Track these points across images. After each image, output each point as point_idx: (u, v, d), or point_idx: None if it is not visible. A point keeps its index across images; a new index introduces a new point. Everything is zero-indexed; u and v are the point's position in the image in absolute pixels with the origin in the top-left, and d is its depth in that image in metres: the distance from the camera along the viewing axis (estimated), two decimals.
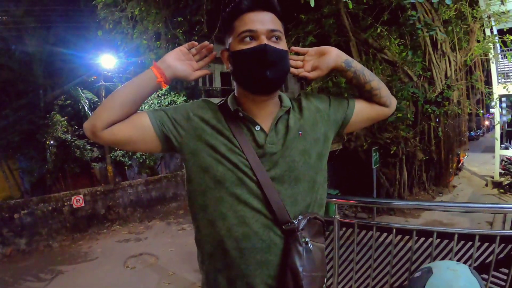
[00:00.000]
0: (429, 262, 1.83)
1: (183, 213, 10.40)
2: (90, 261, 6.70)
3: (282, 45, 1.00)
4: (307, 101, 1.14)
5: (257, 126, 1.03)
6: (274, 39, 0.98)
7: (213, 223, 1.01)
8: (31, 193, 10.14)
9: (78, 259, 6.82)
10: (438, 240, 1.91)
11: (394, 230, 2.01)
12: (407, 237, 2.04)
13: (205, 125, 1.03)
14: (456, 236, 1.84)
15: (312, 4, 4.37)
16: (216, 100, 1.14)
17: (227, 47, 1.04)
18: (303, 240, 0.97)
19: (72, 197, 8.35)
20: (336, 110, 1.16)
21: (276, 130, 1.05)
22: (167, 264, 6.16)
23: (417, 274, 1.30)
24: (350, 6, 5.06)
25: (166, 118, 1.03)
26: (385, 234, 2.12)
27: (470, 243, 1.85)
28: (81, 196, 8.58)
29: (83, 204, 8.55)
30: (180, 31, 7.85)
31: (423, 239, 2.00)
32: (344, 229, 2.26)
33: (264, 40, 0.96)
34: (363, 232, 2.22)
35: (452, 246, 1.86)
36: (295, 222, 0.98)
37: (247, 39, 0.97)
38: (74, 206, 8.36)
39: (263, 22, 0.97)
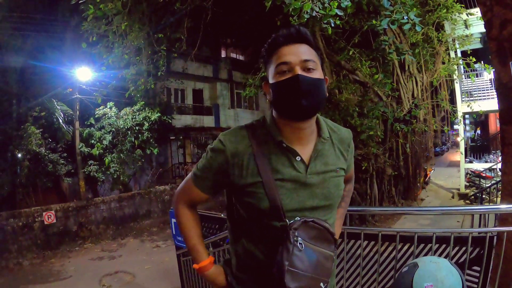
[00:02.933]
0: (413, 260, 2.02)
1: (156, 230, 10.28)
2: (64, 279, 6.53)
3: (317, 74, 1.08)
4: (338, 135, 1.25)
5: (297, 157, 1.11)
6: (308, 69, 1.06)
7: None
8: (0, 208, 9.73)
9: (50, 278, 6.62)
10: (422, 245, 2.10)
11: (380, 234, 2.17)
12: (386, 243, 2.20)
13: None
14: (434, 236, 2.02)
15: None
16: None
17: (268, 79, 1.14)
18: (294, 239, 1.03)
19: (44, 213, 8.13)
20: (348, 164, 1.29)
21: (315, 163, 1.14)
22: (144, 282, 6.09)
23: (404, 269, 1.47)
24: (330, 31, 5.35)
25: None
26: (372, 242, 2.25)
27: (444, 245, 2.07)
28: (53, 212, 8.36)
29: (54, 220, 8.32)
30: (163, 47, 7.95)
31: (408, 244, 2.16)
32: None
33: (298, 71, 1.04)
34: (352, 241, 2.33)
35: (431, 249, 2.04)
36: (287, 221, 1.07)
37: (283, 71, 1.06)
38: (46, 222, 8.12)
39: (297, 54, 1.06)
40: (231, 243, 1.27)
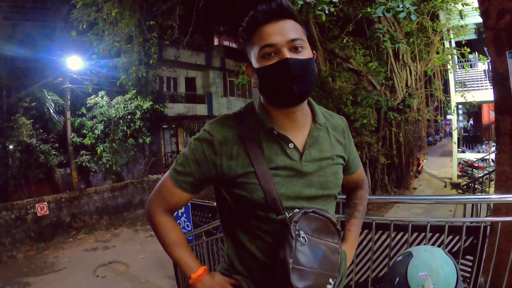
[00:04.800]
0: (407, 249, 2.03)
1: None
2: (58, 271, 6.51)
3: (306, 53, 0.96)
4: (331, 122, 1.16)
5: (290, 144, 1.02)
6: (296, 49, 0.94)
7: None
8: None
9: (45, 270, 6.60)
10: (416, 233, 2.12)
11: (374, 223, 2.14)
12: (380, 231, 2.20)
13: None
14: (428, 225, 2.01)
15: None
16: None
17: (251, 61, 1.02)
18: (296, 233, 0.94)
19: (36, 205, 8.06)
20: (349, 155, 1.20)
21: (310, 150, 1.05)
22: (138, 271, 6.10)
23: (399, 258, 1.43)
24: (324, 19, 5.29)
25: None
26: (366, 231, 2.22)
27: (437, 234, 2.08)
28: (46, 203, 8.29)
29: (47, 212, 8.26)
30: (155, 35, 7.82)
31: (401, 233, 2.18)
32: None
33: (286, 54, 0.92)
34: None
35: (425, 237, 2.03)
36: (287, 214, 0.97)
37: (268, 54, 0.94)
38: (38, 214, 8.06)
39: (282, 33, 0.93)
40: (226, 245, 1.15)
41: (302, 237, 0.95)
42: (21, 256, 7.43)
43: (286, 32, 0.93)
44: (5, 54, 9.37)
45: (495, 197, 2.24)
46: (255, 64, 0.98)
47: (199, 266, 1.09)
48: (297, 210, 0.98)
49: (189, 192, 1.07)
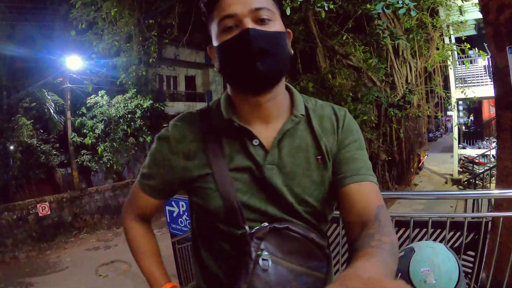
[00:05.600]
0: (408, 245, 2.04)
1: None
2: (60, 271, 6.53)
3: (275, 26, 0.77)
4: (318, 112, 0.89)
5: (255, 140, 0.81)
6: (262, 20, 0.76)
7: None
8: None
9: (47, 270, 6.62)
10: (417, 229, 2.11)
11: None
12: None
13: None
14: (430, 221, 2.03)
15: (288, 12, 4.56)
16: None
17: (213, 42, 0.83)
18: (258, 253, 0.73)
19: (38, 205, 8.07)
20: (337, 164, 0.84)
21: (279, 147, 0.82)
22: (140, 270, 6.11)
23: (401, 254, 1.45)
24: (323, 15, 5.29)
25: None
26: None
27: (439, 230, 2.08)
28: (47, 203, 8.30)
29: (49, 212, 8.27)
30: (155, 33, 7.81)
31: (403, 229, 2.18)
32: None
33: (247, 24, 0.74)
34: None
35: (427, 232, 2.05)
36: (247, 228, 0.76)
37: (229, 27, 0.76)
38: (40, 214, 8.08)
39: (244, 2, 0.75)
40: (193, 265, 0.98)
41: (264, 259, 0.72)
42: (23, 257, 7.45)
43: (249, 0, 0.76)
44: (5, 54, 9.37)
45: (496, 192, 2.25)
46: (215, 42, 0.80)
47: (167, 281, 0.93)
48: (265, 224, 0.77)
49: (153, 197, 0.92)
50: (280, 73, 0.79)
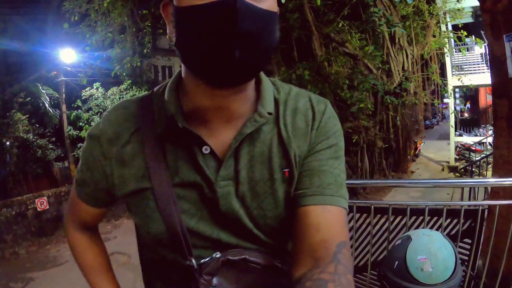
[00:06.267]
0: (405, 232, 2.06)
1: None
2: (60, 265, 6.54)
3: (268, 3, 0.54)
4: (290, 106, 0.68)
5: (205, 147, 0.62)
6: None
7: None
8: None
9: (47, 265, 6.64)
10: (414, 217, 2.12)
11: (372, 207, 2.16)
12: (379, 215, 2.21)
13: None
14: (426, 208, 2.03)
15: (283, 0, 4.51)
16: None
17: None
18: None
19: (36, 200, 8.03)
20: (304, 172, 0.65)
21: (236, 157, 0.63)
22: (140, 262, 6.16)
23: (398, 242, 1.48)
24: (318, 2, 5.24)
25: None
26: (365, 214, 2.25)
27: (436, 217, 2.09)
28: (45, 198, 8.27)
29: (47, 207, 8.25)
30: (148, 23, 7.73)
31: (400, 216, 2.19)
32: None
33: None
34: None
35: (423, 220, 2.06)
36: (194, 262, 0.62)
37: None
38: (38, 209, 8.05)
39: None
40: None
41: None
42: (23, 252, 7.45)
43: None
44: None
45: (492, 180, 2.26)
46: (179, 1, 0.54)
47: None
48: (217, 254, 0.62)
49: (92, 205, 0.75)
50: (262, 65, 0.59)
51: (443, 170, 11.00)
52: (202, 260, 0.62)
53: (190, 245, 0.62)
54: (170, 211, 0.61)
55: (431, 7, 9.08)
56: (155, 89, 0.71)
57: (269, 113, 0.63)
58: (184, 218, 0.62)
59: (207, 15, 0.50)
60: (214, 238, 0.64)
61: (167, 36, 0.66)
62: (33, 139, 9.98)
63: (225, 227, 0.64)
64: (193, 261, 0.61)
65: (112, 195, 0.70)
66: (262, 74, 0.67)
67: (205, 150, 0.62)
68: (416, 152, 12.60)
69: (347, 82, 7.99)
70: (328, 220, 0.58)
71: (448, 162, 11.27)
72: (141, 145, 0.64)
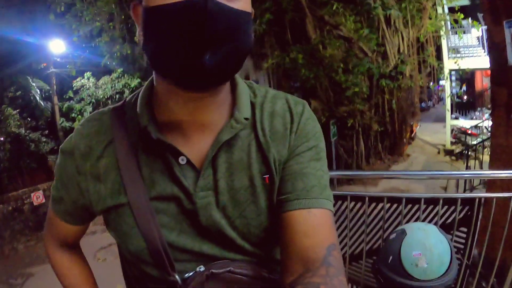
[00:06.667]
0: (400, 224, 2.04)
1: None
2: None
3: (241, 3, 0.51)
4: (267, 109, 0.65)
5: (181, 157, 0.60)
6: None
7: None
8: None
9: (46, 259, 6.60)
10: (409, 206, 2.09)
11: (367, 198, 2.12)
12: (374, 203, 2.17)
13: None
14: (422, 200, 2.00)
15: None
16: None
17: None
18: None
19: (32, 194, 7.99)
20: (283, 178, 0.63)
21: (215, 166, 0.61)
22: None
23: (392, 236, 1.45)
24: None
25: None
26: (359, 203, 2.20)
27: (431, 206, 2.05)
28: (41, 192, 8.22)
29: (43, 200, 8.21)
30: None
31: (395, 204, 2.14)
32: None
33: None
34: (339, 201, 2.25)
35: (419, 209, 2.03)
36: (177, 277, 0.60)
37: None
38: (35, 204, 8.01)
39: None
40: None
41: None
42: (21, 247, 7.45)
43: None
44: None
45: (487, 173, 2.24)
46: (145, 1, 0.51)
47: None
48: (201, 268, 0.61)
49: (70, 223, 0.72)
50: (236, 68, 0.55)
51: (439, 153, 11.02)
52: (186, 275, 0.60)
53: (172, 260, 0.60)
54: (149, 226, 0.59)
55: None
56: (127, 98, 0.69)
57: (246, 119, 0.61)
58: (164, 233, 0.60)
59: (176, 16, 0.47)
60: (197, 251, 0.62)
61: (136, 40, 0.55)
62: (26, 134, 9.85)
63: (207, 239, 0.62)
64: (177, 276, 0.60)
65: (90, 212, 0.67)
66: (237, 77, 0.65)
67: (182, 160, 0.60)
68: (412, 135, 12.59)
69: (341, 65, 7.90)
70: (315, 224, 0.57)
71: (444, 145, 11.28)
72: (115, 159, 0.61)
